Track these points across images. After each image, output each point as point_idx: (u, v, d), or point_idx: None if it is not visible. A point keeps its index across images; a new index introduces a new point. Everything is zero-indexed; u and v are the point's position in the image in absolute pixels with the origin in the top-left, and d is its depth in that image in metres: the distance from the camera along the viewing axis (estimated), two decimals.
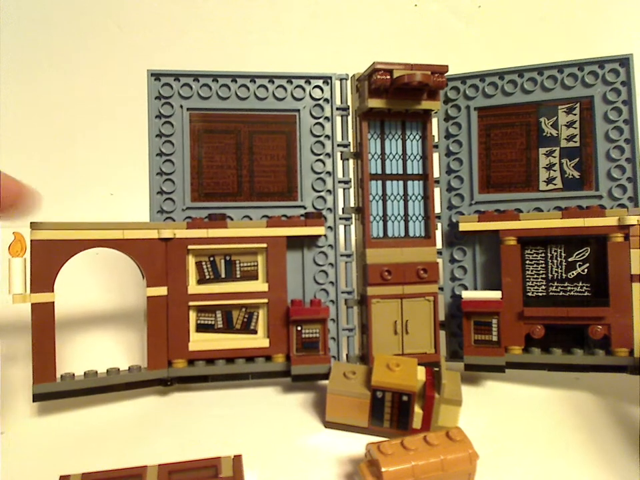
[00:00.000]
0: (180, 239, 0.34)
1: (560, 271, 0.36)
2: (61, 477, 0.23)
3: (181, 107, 0.36)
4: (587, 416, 0.32)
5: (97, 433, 0.30)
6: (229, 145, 0.36)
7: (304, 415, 0.32)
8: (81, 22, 0.62)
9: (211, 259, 0.35)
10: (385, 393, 0.29)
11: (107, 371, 0.33)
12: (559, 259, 0.36)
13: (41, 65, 0.61)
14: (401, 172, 0.38)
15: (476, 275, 0.38)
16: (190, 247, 0.34)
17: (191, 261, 0.35)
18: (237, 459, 0.24)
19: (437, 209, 0.38)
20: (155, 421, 0.32)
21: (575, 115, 0.36)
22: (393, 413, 0.30)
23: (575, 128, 0.36)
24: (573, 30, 0.60)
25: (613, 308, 0.34)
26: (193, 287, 0.35)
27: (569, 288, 0.36)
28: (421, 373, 0.30)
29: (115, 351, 0.38)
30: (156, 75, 0.36)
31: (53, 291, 0.32)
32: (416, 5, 0.60)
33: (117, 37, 0.62)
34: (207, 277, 0.35)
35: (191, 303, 0.34)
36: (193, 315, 0.35)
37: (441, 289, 0.38)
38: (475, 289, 0.38)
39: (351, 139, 0.38)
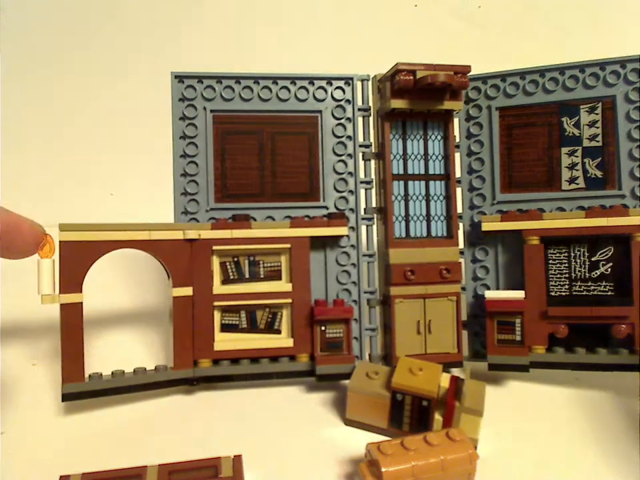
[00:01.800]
0: (205, 239, 0.35)
1: (583, 270, 0.36)
2: (61, 477, 0.23)
3: (204, 108, 0.36)
4: (591, 416, 0.32)
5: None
6: (251, 146, 0.37)
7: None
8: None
9: (235, 259, 0.36)
10: (405, 396, 0.29)
11: (134, 370, 0.33)
12: (582, 258, 0.36)
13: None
14: (422, 172, 0.38)
15: (498, 274, 0.38)
16: (214, 247, 0.35)
17: (216, 262, 0.35)
18: (237, 459, 0.25)
19: (459, 209, 0.38)
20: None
21: (597, 114, 0.36)
22: (412, 416, 0.30)
23: (597, 127, 0.36)
24: (573, 30, 0.60)
25: (637, 307, 0.34)
26: (218, 287, 0.35)
27: (592, 287, 0.35)
28: (445, 380, 0.30)
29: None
30: (179, 77, 0.36)
31: (81, 292, 0.32)
32: (416, 5, 0.60)
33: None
34: (231, 277, 0.36)
35: (215, 303, 0.35)
36: (217, 315, 0.35)
37: (463, 288, 0.38)
38: (497, 288, 0.38)
39: (372, 140, 0.38)
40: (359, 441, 0.28)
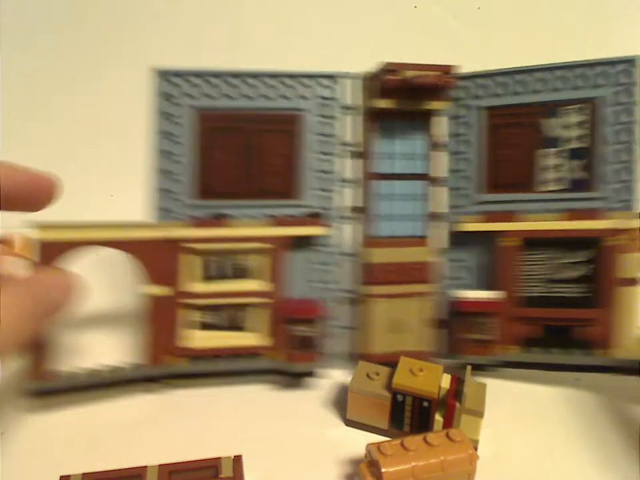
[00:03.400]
0: (183, 237, 0.34)
1: (558, 272, 0.36)
2: (61, 477, 0.23)
3: (186, 105, 0.36)
4: (590, 416, 0.32)
5: (95, 433, 0.31)
6: (233, 143, 0.36)
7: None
8: (76, 18, 0.61)
9: (214, 257, 0.35)
10: (406, 396, 0.29)
11: (103, 368, 0.33)
12: (557, 260, 0.36)
13: (37, 65, 0.61)
14: (405, 171, 0.37)
15: (477, 275, 0.38)
16: (193, 245, 0.35)
17: (193, 260, 0.35)
18: (237, 459, 0.25)
19: (442, 209, 0.38)
20: (153, 420, 0.32)
21: (584, 115, 0.36)
22: (413, 417, 0.30)
23: (583, 129, 0.36)
24: (573, 30, 0.60)
25: (604, 310, 0.34)
26: (194, 285, 0.35)
27: (566, 289, 0.36)
28: (445, 381, 0.30)
29: (111, 348, 0.38)
30: (162, 73, 0.35)
31: None
32: (415, 7, 0.61)
33: (114, 33, 0.62)
34: (209, 275, 0.35)
35: (191, 301, 0.35)
36: (193, 313, 0.35)
37: (442, 288, 0.38)
38: (477, 288, 0.37)
39: (356, 138, 0.38)
40: (359, 442, 0.28)
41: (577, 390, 0.35)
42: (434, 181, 0.37)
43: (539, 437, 0.30)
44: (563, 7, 0.61)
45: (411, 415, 0.30)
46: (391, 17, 0.61)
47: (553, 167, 0.36)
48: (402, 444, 0.25)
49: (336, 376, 0.36)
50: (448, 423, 0.29)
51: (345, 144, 0.37)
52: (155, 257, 0.34)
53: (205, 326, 0.35)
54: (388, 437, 0.30)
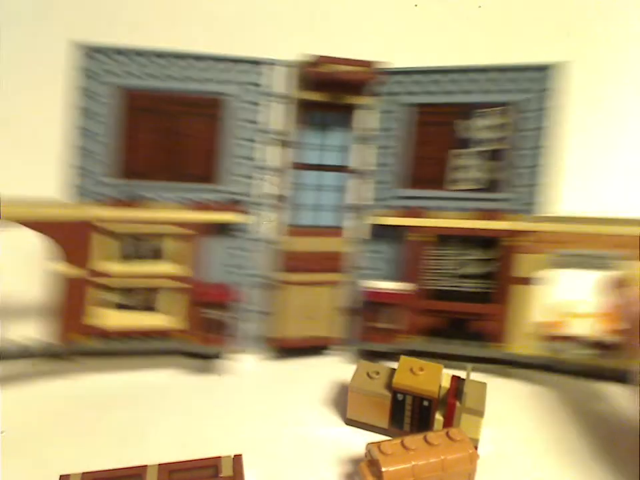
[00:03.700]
0: (98, 217, 0.34)
1: (460, 268, 0.37)
2: (61, 476, 0.23)
3: (108, 82, 0.35)
4: (592, 417, 0.32)
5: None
6: (155, 124, 0.36)
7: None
8: None
9: (129, 239, 0.35)
10: (406, 395, 0.29)
11: (9, 344, 0.33)
12: (460, 256, 0.37)
13: None
14: (325, 163, 0.38)
15: (390, 266, 0.39)
16: (108, 226, 0.34)
17: (108, 240, 0.35)
18: (237, 459, 0.24)
19: (364, 201, 0.39)
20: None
21: (500, 119, 0.37)
22: (413, 417, 0.30)
23: (498, 132, 0.37)
24: (573, 30, 0.60)
25: (499, 306, 0.36)
26: (108, 266, 0.35)
27: (467, 284, 0.37)
28: (446, 380, 0.30)
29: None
30: (84, 49, 0.35)
31: None
32: (416, 5, 0.60)
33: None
34: (123, 256, 0.35)
35: (104, 281, 0.34)
36: (106, 293, 0.35)
37: (357, 277, 0.39)
38: (391, 280, 0.38)
39: (278, 127, 0.38)
40: (359, 441, 0.28)
41: (578, 391, 0.35)
42: (356, 173, 0.38)
43: (539, 437, 0.30)
44: (561, 7, 0.60)
45: (411, 414, 0.30)
46: (391, 16, 0.60)
47: (467, 167, 0.37)
48: (402, 443, 0.25)
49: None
50: (448, 422, 0.29)
51: (269, 132, 0.37)
52: (69, 236, 0.33)
53: (119, 306, 0.35)
54: (388, 436, 0.30)
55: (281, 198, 0.38)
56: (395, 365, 0.31)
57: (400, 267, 0.38)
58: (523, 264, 0.35)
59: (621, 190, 0.58)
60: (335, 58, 0.34)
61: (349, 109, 0.37)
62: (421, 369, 0.30)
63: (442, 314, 0.37)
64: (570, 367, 0.35)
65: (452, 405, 0.29)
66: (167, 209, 0.35)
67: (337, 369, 0.37)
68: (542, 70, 0.36)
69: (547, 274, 0.35)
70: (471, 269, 0.37)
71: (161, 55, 0.35)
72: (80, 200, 0.35)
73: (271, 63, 0.37)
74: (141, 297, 0.36)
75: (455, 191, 0.37)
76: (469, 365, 0.30)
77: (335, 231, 0.38)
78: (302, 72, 0.35)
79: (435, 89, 0.37)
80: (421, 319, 0.37)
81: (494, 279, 0.36)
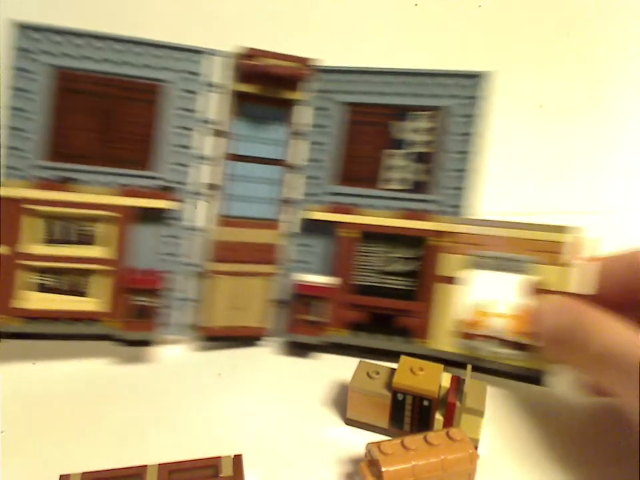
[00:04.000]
0: (25, 198, 0.34)
1: (387, 265, 0.38)
2: (61, 476, 0.23)
3: (44, 62, 0.35)
4: (592, 417, 0.32)
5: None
6: (90, 107, 0.35)
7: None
8: None
9: (56, 221, 0.35)
10: (406, 395, 0.29)
11: None
12: (387, 254, 0.38)
13: None
14: (261, 155, 0.38)
15: (321, 260, 0.40)
16: (34, 207, 0.34)
17: (35, 222, 0.34)
18: (237, 459, 0.24)
19: (296, 195, 0.40)
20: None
21: (430, 122, 0.38)
22: (413, 417, 0.30)
23: (428, 135, 0.38)
24: (573, 30, 0.60)
25: (422, 303, 0.37)
26: (34, 248, 0.34)
27: (393, 281, 0.38)
28: (446, 380, 0.30)
29: None
30: (20, 26, 0.34)
31: None
32: (416, 5, 0.60)
33: None
34: (50, 238, 0.35)
35: (30, 263, 0.34)
36: (31, 275, 0.35)
37: (287, 270, 0.40)
38: (319, 273, 0.39)
39: (217, 116, 0.38)
40: (359, 441, 0.28)
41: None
42: (290, 167, 0.39)
43: (540, 437, 0.30)
44: (560, 7, 0.60)
45: (411, 414, 0.30)
46: (391, 16, 0.60)
47: (398, 167, 0.38)
48: (402, 443, 0.25)
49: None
50: (448, 422, 0.29)
51: (205, 121, 0.37)
52: None
53: (45, 288, 0.35)
54: (388, 436, 0.30)
55: (214, 187, 0.38)
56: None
57: (329, 262, 0.39)
58: (446, 263, 0.36)
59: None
60: (268, 52, 0.35)
61: (285, 104, 0.38)
62: (421, 369, 0.30)
63: (368, 309, 0.38)
64: (486, 365, 0.35)
65: (452, 404, 0.29)
66: (98, 193, 0.35)
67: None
68: (471, 77, 0.37)
69: (468, 274, 0.36)
70: (397, 267, 0.38)
71: (99, 37, 0.35)
72: (10, 180, 0.34)
73: (211, 53, 0.37)
74: (69, 281, 0.36)
75: (385, 190, 0.38)
76: (469, 365, 0.30)
77: (267, 223, 0.39)
78: (236, 64, 0.35)
79: (367, 90, 0.38)
80: (348, 313, 0.38)
81: (418, 277, 0.37)
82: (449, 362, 0.35)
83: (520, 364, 0.34)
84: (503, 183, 0.53)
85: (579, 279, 0.32)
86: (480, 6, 0.60)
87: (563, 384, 0.35)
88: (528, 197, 0.62)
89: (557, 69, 0.60)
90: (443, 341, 0.36)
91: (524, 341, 0.35)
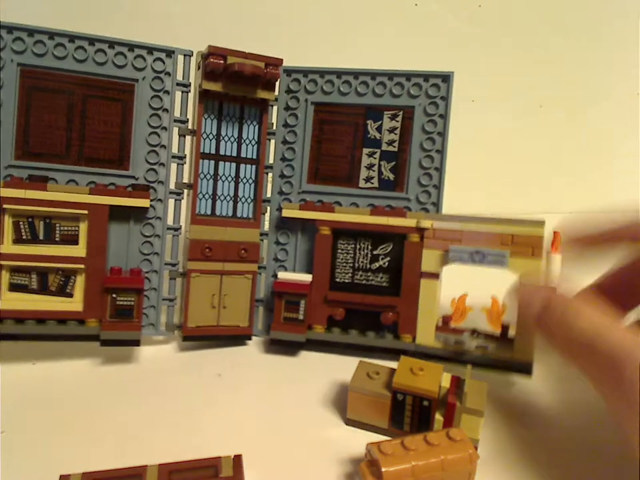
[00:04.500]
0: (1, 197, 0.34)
1: (365, 262, 0.39)
2: (61, 476, 0.23)
3: (11, 60, 0.35)
4: (592, 417, 0.32)
5: None
6: (60, 105, 0.36)
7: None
8: None
9: (29, 219, 0.35)
10: (406, 396, 0.29)
11: None
12: (365, 251, 0.39)
13: None
14: (234, 154, 0.39)
15: (296, 258, 0.41)
16: (6, 205, 0.34)
17: (7, 220, 0.34)
18: (237, 459, 0.24)
19: (268, 194, 0.40)
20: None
21: (397, 122, 0.39)
22: (413, 417, 0.30)
23: (396, 134, 0.39)
24: (573, 29, 0.60)
25: (404, 299, 0.37)
26: (7, 247, 0.34)
27: (370, 277, 0.39)
28: (445, 380, 0.30)
29: None
30: None
31: None
32: (416, 5, 0.60)
33: None
34: (24, 237, 0.35)
35: (3, 262, 0.34)
36: (5, 275, 0.35)
37: (264, 268, 0.40)
38: (295, 271, 0.40)
39: (189, 116, 0.38)
40: (359, 441, 0.28)
41: (578, 391, 0.35)
42: (264, 166, 0.40)
43: (539, 437, 0.30)
44: (569, 7, 0.60)
45: (411, 415, 0.30)
46: (391, 16, 0.61)
47: (366, 165, 0.39)
48: (402, 443, 0.25)
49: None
50: (448, 423, 0.29)
51: (177, 120, 0.38)
52: None
53: (15, 288, 0.35)
54: (388, 436, 0.30)
55: (189, 186, 0.38)
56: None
57: (307, 259, 0.40)
58: (423, 259, 0.37)
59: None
60: (238, 51, 0.35)
61: (257, 103, 0.39)
62: (421, 369, 0.30)
63: (347, 305, 0.39)
64: (469, 357, 0.36)
65: (452, 405, 0.29)
66: (67, 192, 0.35)
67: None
68: (435, 78, 0.38)
69: (445, 269, 0.37)
70: (374, 263, 0.39)
71: (70, 36, 0.35)
72: None
73: (183, 53, 0.38)
74: (39, 280, 0.35)
75: (357, 187, 0.39)
76: (469, 365, 0.30)
77: (243, 221, 0.39)
78: (207, 63, 0.36)
79: (336, 90, 0.39)
80: (327, 310, 0.39)
81: (396, 273, 0.38)
82: (430, 356, 0.36)
83: (501, 355, 0.35)
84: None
85: (553, 271, 0.33)
86: (480, 6, 0.60)
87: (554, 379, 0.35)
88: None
89: (557, 69, 0.60)
90: (424, 335, 0.37)
91: (504, 332, 0.36)
